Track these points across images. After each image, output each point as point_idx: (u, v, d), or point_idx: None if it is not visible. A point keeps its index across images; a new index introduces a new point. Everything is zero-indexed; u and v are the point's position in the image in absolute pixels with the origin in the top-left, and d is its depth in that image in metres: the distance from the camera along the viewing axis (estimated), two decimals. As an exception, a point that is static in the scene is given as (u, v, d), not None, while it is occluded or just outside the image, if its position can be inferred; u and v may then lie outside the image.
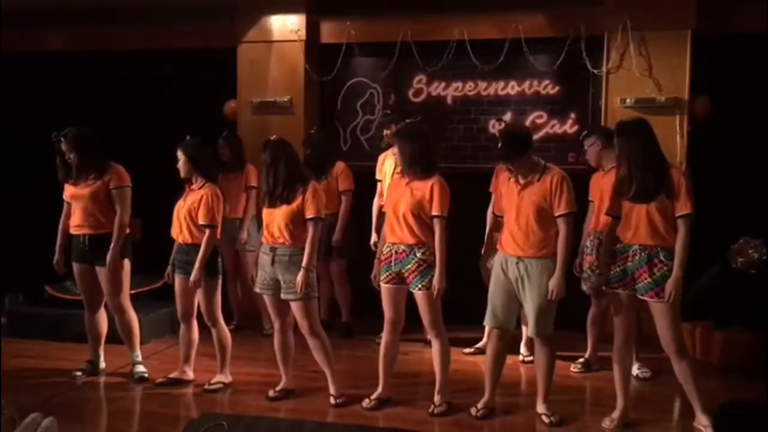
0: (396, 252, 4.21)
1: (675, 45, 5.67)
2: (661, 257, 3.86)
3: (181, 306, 4.68)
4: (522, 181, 4.07)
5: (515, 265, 4.05)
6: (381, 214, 5.27)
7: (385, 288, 4.29)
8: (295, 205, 4.28)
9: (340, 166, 5.85)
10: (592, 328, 5.11)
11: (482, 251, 4.68)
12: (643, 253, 3.89)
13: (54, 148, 4.74)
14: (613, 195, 4.05)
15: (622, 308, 4.02)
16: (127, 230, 4.75)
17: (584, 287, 4.94)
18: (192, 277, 4.47)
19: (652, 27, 5.67)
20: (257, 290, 4.49)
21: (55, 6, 6.53)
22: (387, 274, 4.25)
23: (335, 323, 5.94)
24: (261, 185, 4.49)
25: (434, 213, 4.13)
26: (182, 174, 4.61)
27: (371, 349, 5.25)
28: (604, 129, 5.19)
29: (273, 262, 4.31)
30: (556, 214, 4.00)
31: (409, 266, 4.17)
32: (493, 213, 4.60)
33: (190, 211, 4.53)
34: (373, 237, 5.49)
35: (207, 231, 4.49)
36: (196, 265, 4.45)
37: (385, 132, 5.53)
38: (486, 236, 4.66)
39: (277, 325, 4.49)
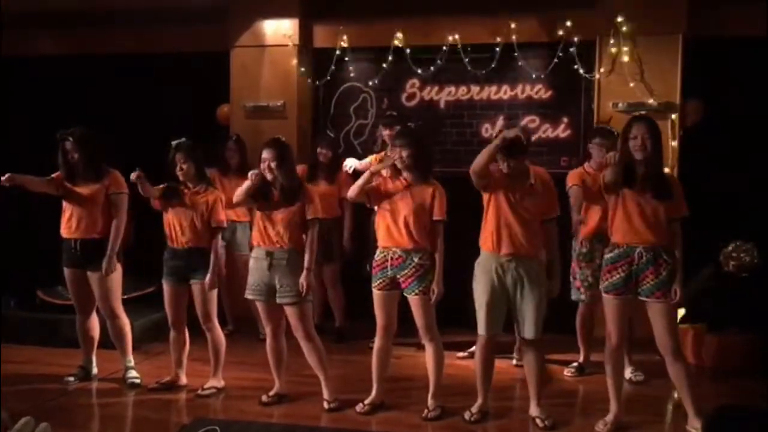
0: (392, 258, 4.19)
1: (666, 49, 5.71)
2: (664, 256, 3.88)
3: (171, 313, 4.66)
4: (516, 183, 4.07)
5: (514, 268, 4.03)
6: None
7: (378, 294, 4.28)
8: (295, 207, 4.26)
9: (345, 172, 5.82)
10: (581, 329, 5.09)
11: None
12: (648, 254, 3.88)
13: (58, 147, 4.70)
14: (613, 186, 3.92)
15: (619, 313, 4.00)
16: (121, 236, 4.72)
17: (574, 296, 4.94)
18: (208, 280, 4.50)
19: (643, 31, 5.70)
20: (248, 296, 4.43)
21: (47, 10, 6.52)
22: (381, 279, 4.24)
23: (328, 328, 5.93)
24: (263, 185, 4.38)
25: (437, 217, 4.14)
26: (183, 177, 4.57)
27: (364, 353, 5.23)
28: (606, 130, 5.12)
29: (270, 266, 4.29)
30: (548, 217, 4.06)
31: (406, 271, 4.16)
32: None
33: (202, 214, 4.52)
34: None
35: (219, 233, 4.59)
36: (211, 266, 4.50)
37: (386, 132, 5.51)
38: None
39: (269, 330, 4.47)
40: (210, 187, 4.62)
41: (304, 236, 4.30)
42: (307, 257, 4.25)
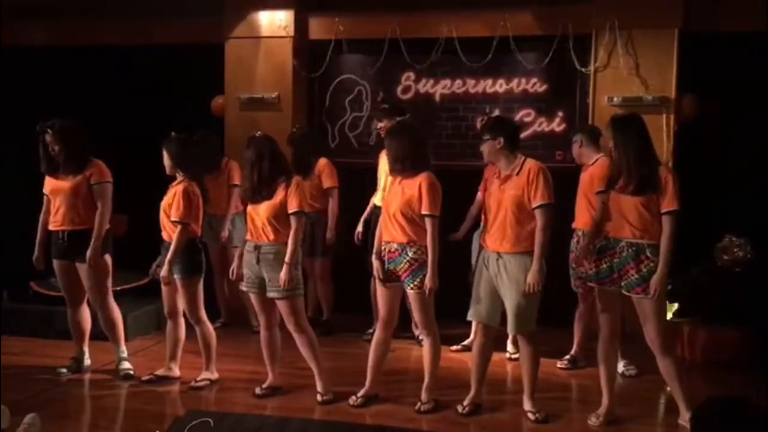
0: (389, 251, 4.20)
1: (662, 44, 5.70)
2: (648, 253, 3.86)
3: (167, 303, 4.66)
4: (503, 175, 4.08)
5: (495, 262, 4.06)
6: (374, 210, 5.30)
7: (380, 286, 4.28)
8: (277, 200, 4.25)
9: (322, 162, 5.76)
10: (578, 324, 5.13)
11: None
12: (630, 249, 3.89)
13: (38, 139, 4.69)
14: (606, 186, 4.01)
15: (608, 305, 4.04)
16: (107, 226, 4.71)
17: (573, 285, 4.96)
18: (162, 272, 4.46)
19: (639, 25, 5.70)
20: (243, 288, 4.46)
21: (41, 1, 6.47)
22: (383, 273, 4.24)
23: (320, 321, 5.92)
24: (244, 182, 4.47)
25: (424, 212, 4.09)
26: (167, 171, 4.59)
27: (355, 346, 5.25)
28: (588, 126, 5.24)
29: (258, 260, 4.30)
30: (533, 206, 3.96)
31: (402, 265, 4.16)
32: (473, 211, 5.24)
33: (165, 208, 4.51)
34: (359, 227, 5.52)
35: (178, 227, 4.45)
36: (166, 261, 4.43)
37: (379, 125, 5.52)
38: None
39: (263, 322, 4.48)
40: (184, 180, 4.52)
41: (289, 229, 4.28)
42: (288, 251, 4.21)
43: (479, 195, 5.28)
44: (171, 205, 4.48)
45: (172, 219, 4.46)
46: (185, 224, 4.46)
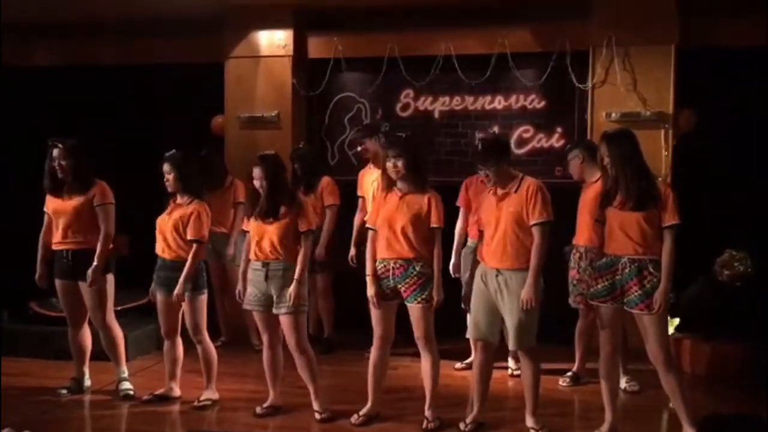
0: (394, 267, 4.19)
1: (659, 59, 5.73)
2: (650, 269, 3.87)
3: (164, 323, 4.66)
4: (500, 192, 4.09)
5: (494, 278, 4.06)
6: (362, 230, 5.28)
7: (375, 307, 4.26)
8: (286, 220, 4.27)
9: (325, 180, 5.83)
10: (579, 340, 5.11)
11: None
12: (632, 266, 3.89)
13: (45, 154, 4.68)
14: (601, 204, 4.04)
15: (609, 322, 4.02)
16: (110, 246, 4.71)
17: (571, 301, 4.95)
18: (176, 291, 4.44)
19: (636, 42, 5.74)
20: (246, 307, 4.45)
21: (41, 21, 6.52)
22: (381, 289, 4.23)
23: (320, 338, 5.90)
24: (250, 200, 4.48)
25: (435, 225, 4.16)
26: (170, 188, 4.59)
27: (357, 363, 5.23)
28: (587, 143, 5.25)
29: (267, 277, 4.29)
30: (531, 223, 3.99)
31: (408, 280, 4.16)
32: (463, 228, 5.26)
33: (177, 226, 4.51)
34: (352, 251, 5.55)
35: (195, 246, 4.47)
36: (181, 279, 4.43)
37: (359, 148, 5.56)
38: (454, 252, 5.26)
39: (266, 341, 4.46)
40: (196, 199, 4.55)
41: (298, 247, 4.31)
42: (297, 269, 4.25)
43: (463, 211, 5.29)
44: (184, 224, 4.48)
45: (190, 238, 4.48)
46: (203, 243, 4.50)
